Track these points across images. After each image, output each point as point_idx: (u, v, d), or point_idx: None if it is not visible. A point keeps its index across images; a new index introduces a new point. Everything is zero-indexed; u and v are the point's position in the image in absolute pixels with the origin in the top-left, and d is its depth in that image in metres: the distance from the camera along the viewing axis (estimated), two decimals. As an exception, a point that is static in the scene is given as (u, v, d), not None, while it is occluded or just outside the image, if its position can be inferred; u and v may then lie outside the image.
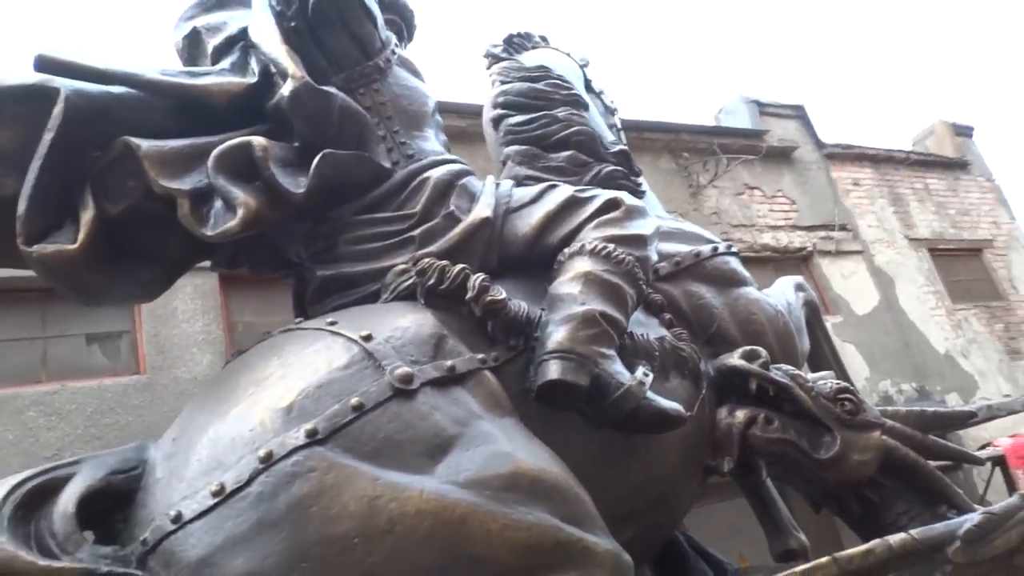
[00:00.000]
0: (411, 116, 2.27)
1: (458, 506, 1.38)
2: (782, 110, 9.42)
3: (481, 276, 1.85)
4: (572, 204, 2.14)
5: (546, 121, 2.64)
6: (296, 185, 1.88)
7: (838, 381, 2.43)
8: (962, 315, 9.48)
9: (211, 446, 1.47)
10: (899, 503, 2.37)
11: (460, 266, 1.85)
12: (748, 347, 2.32)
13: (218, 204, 1.84)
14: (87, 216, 1.70)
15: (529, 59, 2.88)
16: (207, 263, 2.19)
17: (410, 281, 1.87)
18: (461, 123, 5.12)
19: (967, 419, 3.19)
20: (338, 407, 1.45)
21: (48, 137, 1.65)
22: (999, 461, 7.01)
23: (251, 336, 5.50)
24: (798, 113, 9.53)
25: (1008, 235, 10.84)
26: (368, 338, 1.61)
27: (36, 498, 1.43)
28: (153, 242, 1.89)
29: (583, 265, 1.94)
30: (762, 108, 9.19)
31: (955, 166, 10.94)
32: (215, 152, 1.83)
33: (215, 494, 1.36)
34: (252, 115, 2.00)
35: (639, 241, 2.07)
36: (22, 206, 1.65)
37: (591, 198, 2.17)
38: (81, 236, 1.69)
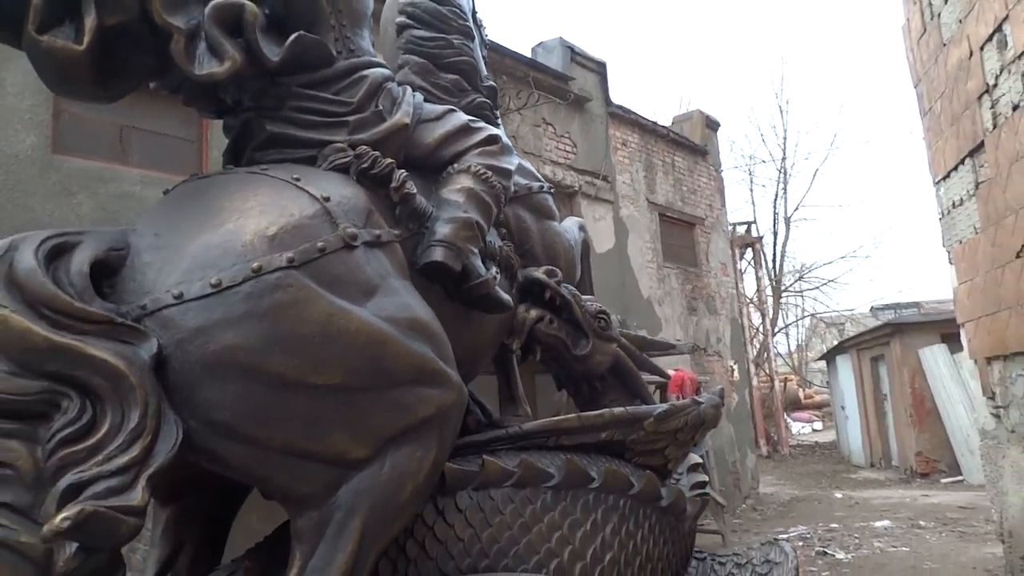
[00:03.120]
0: (356, 14, 2.57)
1: (383, 332, 1.82)
2: (588, 62, 10.50)
3: (403, 171, 2.31)
4: (465, 130, 2.62)
5: (443, 43, 3.03)
6: (272, 53, 2.14)
7: (599, 305, 3.43)
8: (666, 272, 11.66)
9: (204, 250, 1.75)
10: (611, 393, 3.28)
11: (389, 160, 2.29)
12: (548, 267, 2.99)
13: (202, 46, 2.03)
14: (90, 22, 1.83)
15: None
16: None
17: (347, 159, 2.23)
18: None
19: (668, 348, 4.56)
20: (308, 245, 1.80)
21: None
22: (661, 386, 9.18)
23: (75, 126, 5.41)
24: (600, 70, 10.68)
25: (716, 219, 13.36)
26: (327, 199, 1.95)
27: (54, 253, 1.65)
28: (128, 58, 2.04)
29: (467, 182, 2.46)
30: (574, 55, 10.20)
31: (698, 152, 13.09)
32: (215, 3, 2.00)
33: (214, 286, 1.67)
34: None
35: (507, 173, 2.64)
36: None
37: (479, 129, 2.67)
38: (87, 39, 1.82)
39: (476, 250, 2.38)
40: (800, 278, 24.17)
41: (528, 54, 9.79)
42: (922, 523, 9.46)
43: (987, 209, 4.90)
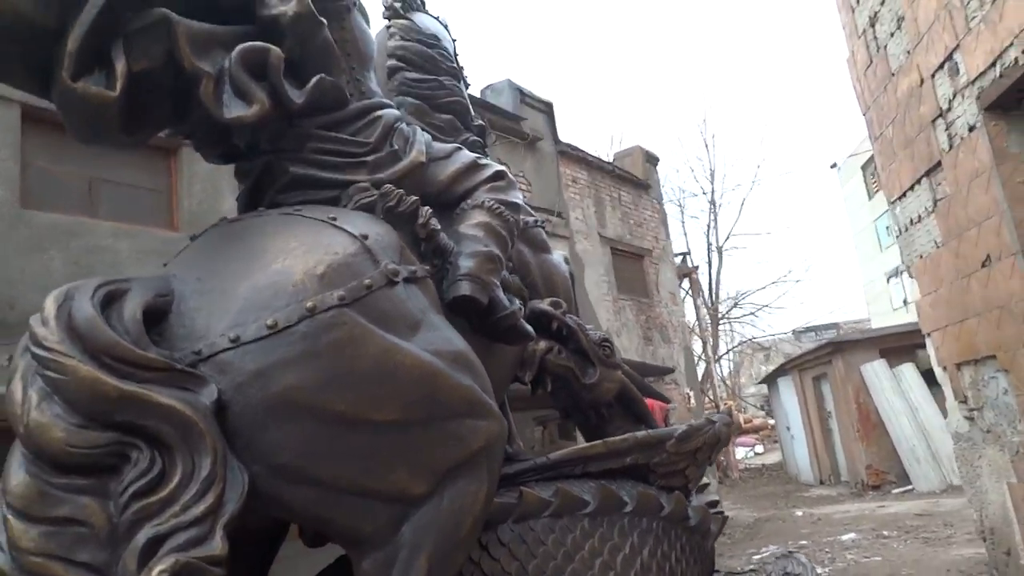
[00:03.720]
0: (364, 57, 2.63)
1: (434, 365, 1.83)
2: (536, 103, 10.79)
3: (428, 208, 2.33)
4: (474, 167, 2.69)
5: (435, 85, 3.09)
6: (296, 96, 2.16)
7: (602, 333, 3.50)
8: (622, 304, 11.92)
9: (255, 292, 1.73)
10: (617, 420, 3.39)
11: (414, 197, 2.31)
12: (553, 299, 3.04)
13: (228, 90, 2.02)
14: (121, 68, 1.80)
15: (423, 23, 3.27)
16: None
17: (372, 198, 2.25)
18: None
19: (667, 372, 4.66)
20: (356, 283, 1.80)
21: None
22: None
23: (43, 179, 5.22)
24: (548, 110, 10.99)
25: (662, 249, 13.76)
26: (365, 237, 1.96)
27: (107, 301, 1.64)
28: (150, 104, 2.02)
29: (482, 217, 2.52)
30: (523, 96, 10.46)
31: (641, 186, 13.51)
32: (242, 47, 2.01)
33: (270, 327, 1.66)
34: (243, 14, 2.13)
35: (516, 207, 2.71)
36: (74, 44, 1.74)
37: (486, 166, 2.74)
38: (119, 84, 1.80)
39: (497, 282, 2.42)
40: (735, 305, 24.98)
41: (477, 95, 9.99)
42: (886, 533, 9.76)
43: (948, 224, 5.23)
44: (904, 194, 5.80)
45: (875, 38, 5.87)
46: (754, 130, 52.42)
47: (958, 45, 4.66)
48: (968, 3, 4.46)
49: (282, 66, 2.10)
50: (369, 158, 2.35)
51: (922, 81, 5.20)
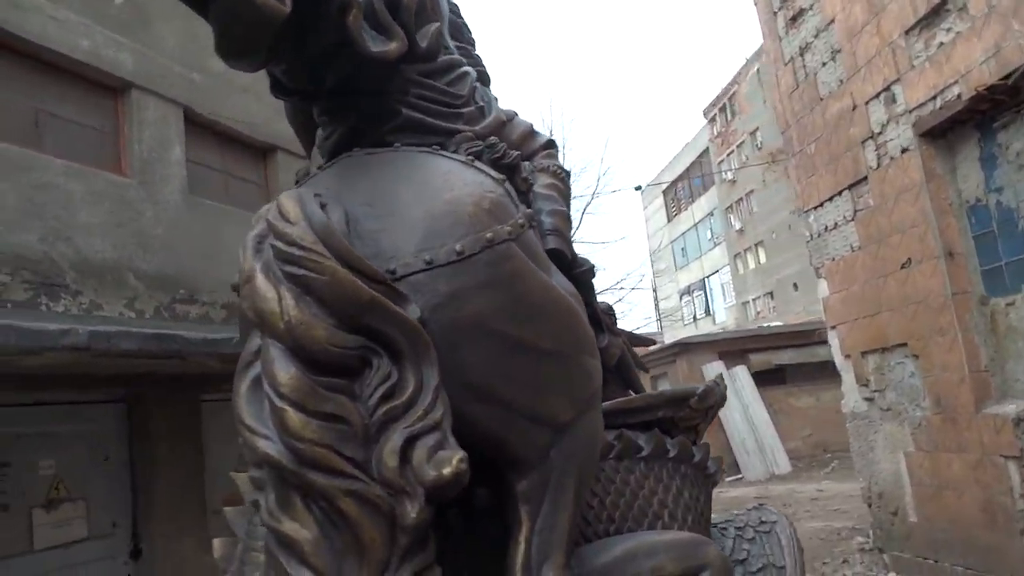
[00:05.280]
0: (443, 14, 2.68)
1: (573, 304, 2.07)
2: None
3: (527, 163, 2.50)
4: (532, 133, 2.86)
5: (464, 52, 3.08)
6: (422, 39, 2.20)
7: (606, 302, 3.77)
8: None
9: (434, 219, 1.83)
10: (612, 384, 3.75)
11: (516, 151, 2.44)
12: None
13: (365, 25, 2.01)
14: None
15: None
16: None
17: (479, 148, 2.31)
18: None
19: (650, 343, 5.03)
20: (513, 221, 1.95)
21: None
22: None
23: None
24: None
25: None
26: (504, 180, 2.14)
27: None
28: (287, 30, 1.91)
29: (551, 179, 2.66)
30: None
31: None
32: None
33: (458, 253, 1.78)
34: None
35: (569, 175, 2.89)
36: None
37: (540, 134, 2.93)
38: (289, 2, 1.73)
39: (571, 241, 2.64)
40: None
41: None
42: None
43: (868, 231, 6.11)
44: (822, 204, 6.67)
45: (804, 66, 6.70)
46: (599, 143, 55.77)
47: (899, 79, 5.51)
48: (914, 44, 5.31)
49: (415, 9, 2.13)
50: (464, 111, 2.45)
51: (854, 107, 6.05)
